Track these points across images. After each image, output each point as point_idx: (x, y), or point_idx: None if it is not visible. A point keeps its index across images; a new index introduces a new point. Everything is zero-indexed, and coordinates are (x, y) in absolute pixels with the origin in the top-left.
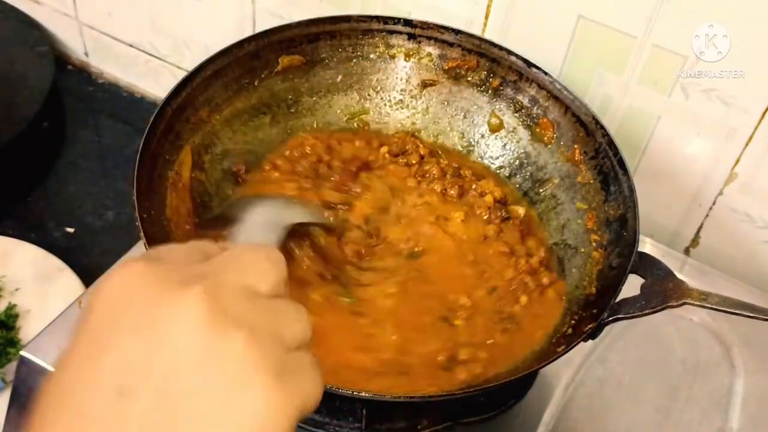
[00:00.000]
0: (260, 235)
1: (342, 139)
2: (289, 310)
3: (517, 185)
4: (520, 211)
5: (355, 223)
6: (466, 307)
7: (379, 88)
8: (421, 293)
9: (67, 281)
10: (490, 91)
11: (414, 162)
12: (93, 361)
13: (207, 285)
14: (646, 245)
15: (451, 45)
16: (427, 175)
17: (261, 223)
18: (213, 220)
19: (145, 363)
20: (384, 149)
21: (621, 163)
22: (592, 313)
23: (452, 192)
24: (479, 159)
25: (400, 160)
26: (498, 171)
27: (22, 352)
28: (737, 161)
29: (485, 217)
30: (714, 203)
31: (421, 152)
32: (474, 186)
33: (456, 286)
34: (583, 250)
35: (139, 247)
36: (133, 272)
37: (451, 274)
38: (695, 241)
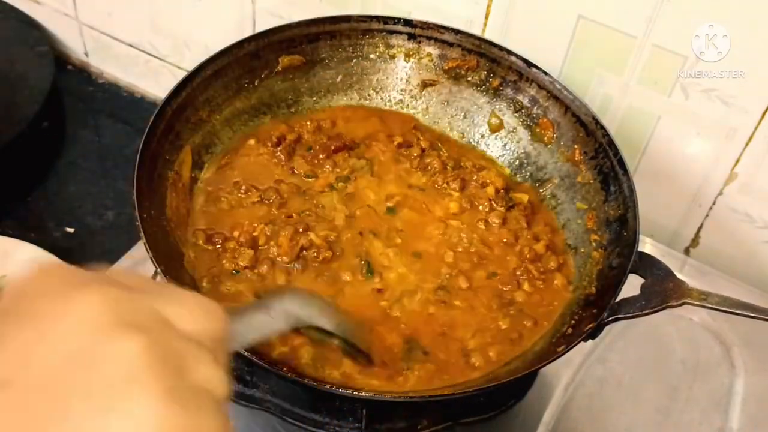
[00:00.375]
0: (265, 317)
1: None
2: (206, 356)
3: None
4: (524, 197)
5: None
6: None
7: (379, 88)
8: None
9: None
10: (490, 91)
11: (415, 155)
12: None
13: (114, 292)
14: (646, 245)
15: (451, 45)
16: (429, 168)
17: (276, 308)
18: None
19: (26, 355)
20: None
21: (621, 163)
22: (592, 313)
23: (454, 185)
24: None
25: (404, 152)
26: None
27: None
28: (737, 161)
29: (485, 209)
30: (714, 203)
31: (422, 145)
32: (475, 177)
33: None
34: (583, 250)
35: (139, 247)
36: (46, 270)
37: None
38: (695, 241)
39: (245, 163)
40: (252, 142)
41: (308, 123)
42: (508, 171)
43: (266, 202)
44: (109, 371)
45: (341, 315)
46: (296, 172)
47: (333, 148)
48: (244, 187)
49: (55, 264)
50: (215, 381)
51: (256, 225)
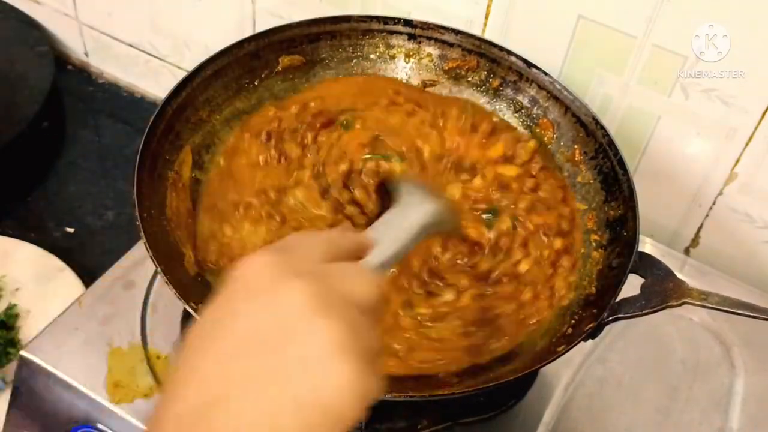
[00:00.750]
0: (404, 228)
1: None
2: (374, 331)
3: None
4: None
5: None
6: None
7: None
8: None
9: (67, 281)
10: (490, 92)
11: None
12: (226, 323)
13: (314, 279)
14: (646, 245)
15: (451, 45)
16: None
17: (412, 217)
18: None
19: (261, 331)
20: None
21: (621, 163)
22: (592, 313)
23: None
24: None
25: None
26: None
27: (22, 352)
28: (737, 161)
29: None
30: (714, 203)
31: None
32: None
33: None
34: (583, 250)
35: (139, 247)
36: (260, 260)
37: None
38: (695, 241)
39: (242, 169)
40: (246, 136)
41: (293, 107)
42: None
43: (268, 218)
44: (318, 344)
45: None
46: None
47: (319, 125)
48: (242, 207)
49: (264, 254)
50: (380, 347)
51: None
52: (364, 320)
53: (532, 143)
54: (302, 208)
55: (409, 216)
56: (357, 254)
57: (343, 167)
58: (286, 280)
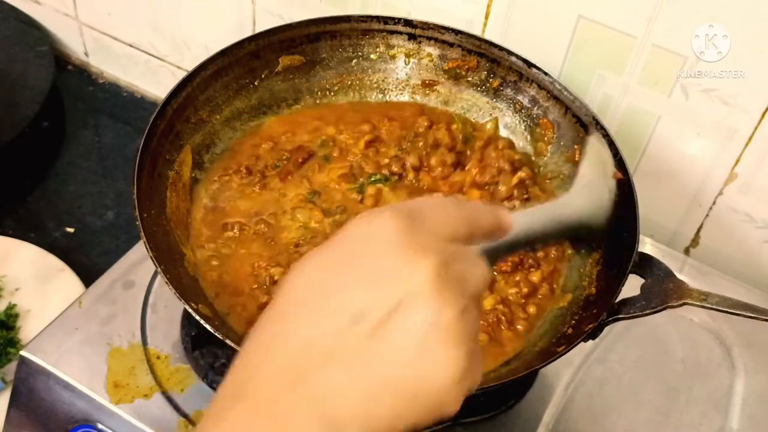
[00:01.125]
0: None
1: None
2: (478, 324)
3: None
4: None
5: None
6: None
7: (379, 88)
8: None
9: (67, 281)
10: (490, 92)
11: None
12: (334, 283)
13: (440, 260)
14: (646, 245)
15: (451, 45)
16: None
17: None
18: None
19: (374, 301)
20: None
21: (621, 163)
22: (592, 313)
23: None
24: None
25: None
26: None
27: (22, 352)
28: (737, 161)
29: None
30: (714, 203)
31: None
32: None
33: None
34: (582, 250)
35: (139, 247)
36: (386, 223)
37: None
38: (695, 241)
39: (230, 197)
40: (231, 171)
41: (263, 144)
42: None
43: (261, 237)
44: (429, 327)
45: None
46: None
47: (300, 160)
48: (236, 228)
49: (391, 215)
50: (483, 285)
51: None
52: (475, 312)
53: (516, 177)
54: (302, 225)
55: (565, 209)
56: (491, 235)
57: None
58: (411, 254)
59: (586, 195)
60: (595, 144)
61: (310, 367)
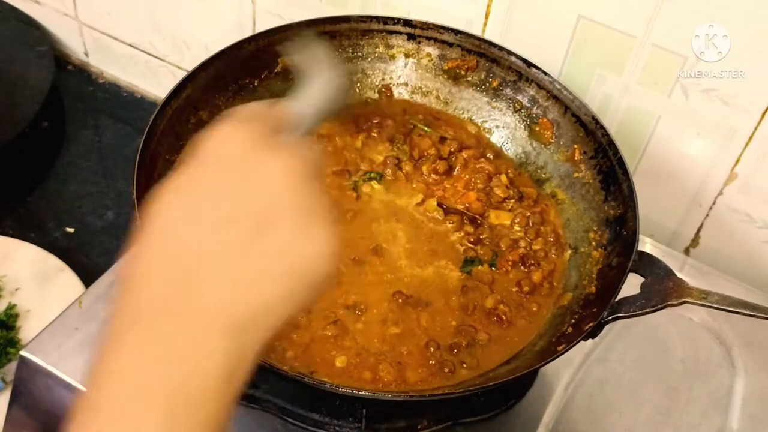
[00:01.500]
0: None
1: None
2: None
3: None
4: (533, 192)
5: None
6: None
7: (378, 88)
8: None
9: (67, 281)
10: (489, 92)
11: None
12: (208, 193)
13: (287, 153)
14: (646, 245)
15: (451, 45)
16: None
17: (318, 98)
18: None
19: (249, 199)
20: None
21: (621, 163)
22: (592, 312)
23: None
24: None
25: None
26: None
27: (22, 352)
28: (737, 161)
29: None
30: (714, 203)
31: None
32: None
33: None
34: (582, 249)
35: None
36: (232, 129)
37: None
38: (695, 241)
39: None
40: None
41: None
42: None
43: None
44: (307, 215)
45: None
46: None
47: None
48: None
49: (231, 123)
50: (322, 161)
51: None
52: (322, 185)
53: (504, 177)
54: None
55: (320, 85)
56: (286, 126)
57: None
58: (263, 154)
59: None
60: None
61: (198, 279)
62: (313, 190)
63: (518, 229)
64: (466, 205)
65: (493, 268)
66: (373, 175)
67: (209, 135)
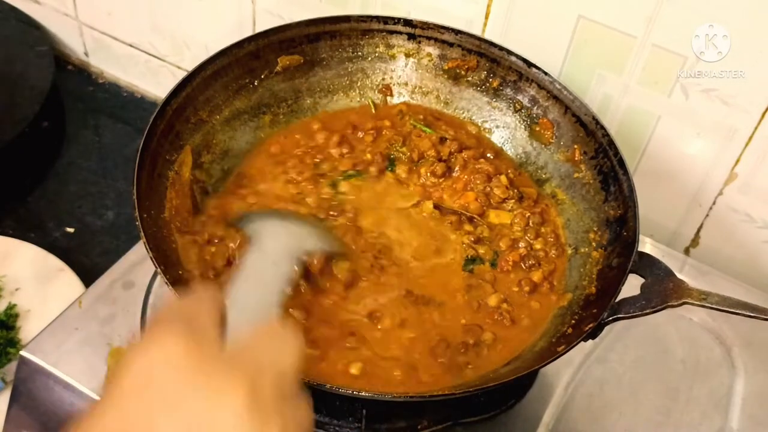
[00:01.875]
0: (270, 269)
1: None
2: (303, 402)
3: None
4: (533, 192)
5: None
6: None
7: (379, 88)
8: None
9: (67, 281)
10: (490, 92)
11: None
12: None
13: (246, 377)
14: (646, 245)
15: (451, 45)
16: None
17: (273, 253)
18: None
19: None
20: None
21: (621, 163)
22: (592, 313)
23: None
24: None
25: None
26: None
27: (22, 352)
28: (737, 161)
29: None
30: (714, 203)
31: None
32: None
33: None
34: (583, 249)
35: (139, 247)
36: (168, 348)
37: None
38: (695, 241)
39: None
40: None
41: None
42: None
43: None
44: None
45: (320, 228)
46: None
47: None
48: None
49: (168, 338)
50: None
51: None
52: (297, 408)
53: (504, 178)
54: None
55: (282, 247)
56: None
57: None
58: (210, 381)
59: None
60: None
61: None
62: (282, 416)
63: (518, 229)
64: (465, 204)
65: (494, 268)
66: (351, 173)
67: (137, 353)
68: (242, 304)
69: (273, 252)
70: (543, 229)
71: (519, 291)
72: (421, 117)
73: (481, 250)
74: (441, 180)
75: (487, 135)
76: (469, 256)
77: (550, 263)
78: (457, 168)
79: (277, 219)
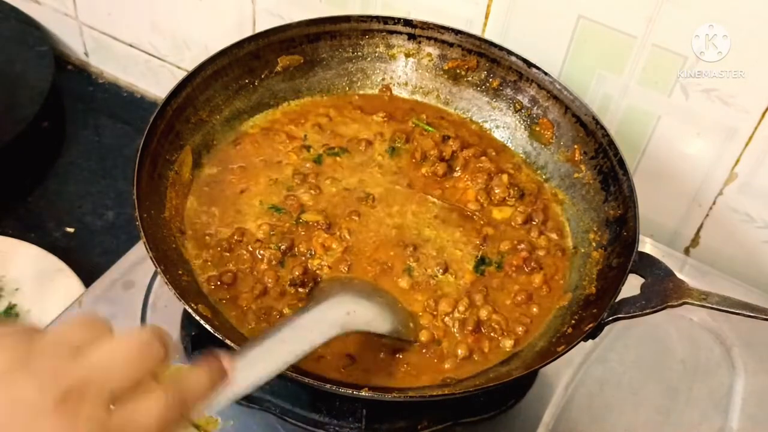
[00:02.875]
0: (318, 328)
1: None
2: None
3: None
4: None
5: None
6: None
7: (378, 88)
8: None
9: (67, 281)
10: (490, 92)
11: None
12: None
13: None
14: (646, 245)
15: (451, 45)
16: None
17: (327, 315)
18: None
19: None
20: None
21: (621, 163)
22: (592, 313)
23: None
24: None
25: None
26: None
27: None
28: (737, 161)
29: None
30: (714, 203)
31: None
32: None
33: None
34: (583, 250)
35: (139, 247)
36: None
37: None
38: (695, 241)
39: None
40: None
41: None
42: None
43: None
44: None
45: (390, 308)
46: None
47: None
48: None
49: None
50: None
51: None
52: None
53: (505, 177)
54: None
55: (338, 315)
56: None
57: None
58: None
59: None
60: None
61: None
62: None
63: (519, 223)
64: (467, 204)
65: (500, 270)
66: (336, 150)
67: None
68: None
69: (328, 314)
70: (546, 225)
71: (516, 297)
72: (424, 116)
73: (489, 249)
74: (442, 179)
75: (489, 134)
76: (481, 257)
77: (551, 267)
78: (458, 167)
79: (346, 289)
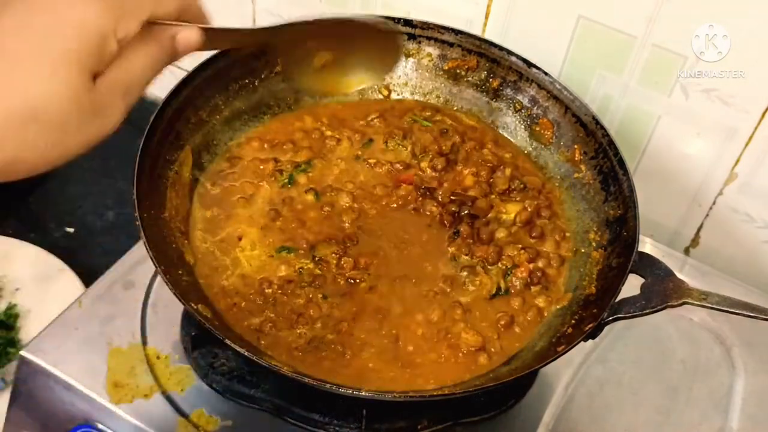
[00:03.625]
0: None
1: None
2: None
3: None
4: (537, 182)
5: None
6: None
7: (379, 88)
8: None
9: (67, 281)
10: (490, 92)
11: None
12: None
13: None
14: (646, 245)
15: (451, 45)
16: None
17: None
18: None
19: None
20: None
21: (621, 163)
22: (592, 313)
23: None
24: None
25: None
26: None
27: (22, 352)
28: (737, 161)
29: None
30: (714, 203)
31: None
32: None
33: None
34: (583, 250)
35: (139, 247)
36: None
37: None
38: (695, 241)
39: None
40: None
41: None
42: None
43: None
44: None
45: None
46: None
47: None
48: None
49: None
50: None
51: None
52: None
53: (508, 170)
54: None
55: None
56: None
57: None
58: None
59: None
60: None
61: None
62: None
63: (523, 221)
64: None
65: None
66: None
67: None
68: None
69: None
70: (550, 223)
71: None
72: (425, 113)
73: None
74: (441, 174)
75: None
76: (499, 287)
77: (555, 263)
78: (459, 162)
79: None
